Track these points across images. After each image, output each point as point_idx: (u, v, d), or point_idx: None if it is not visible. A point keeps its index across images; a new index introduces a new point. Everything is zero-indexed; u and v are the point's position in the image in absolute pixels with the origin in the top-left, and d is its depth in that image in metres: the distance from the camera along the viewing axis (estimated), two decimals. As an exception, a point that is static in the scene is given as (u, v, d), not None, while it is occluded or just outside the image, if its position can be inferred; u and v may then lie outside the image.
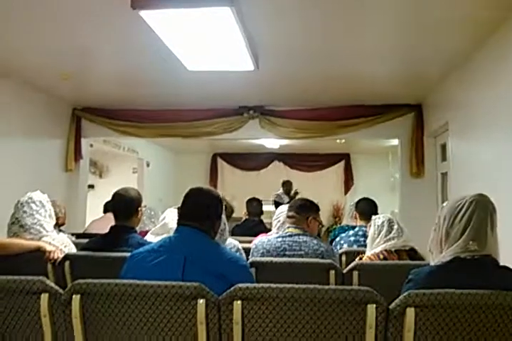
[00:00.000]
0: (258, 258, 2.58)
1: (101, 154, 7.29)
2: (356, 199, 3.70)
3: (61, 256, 2.57)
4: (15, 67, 4.02)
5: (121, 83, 4.53)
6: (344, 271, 2.47)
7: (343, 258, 2.95)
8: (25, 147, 4.60)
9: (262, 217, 4.97)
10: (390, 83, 4.36)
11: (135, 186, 7.12)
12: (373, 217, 2.72)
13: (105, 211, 4.49)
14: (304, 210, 2.80)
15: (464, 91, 3.68)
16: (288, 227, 2.76)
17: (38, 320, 1.62)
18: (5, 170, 4.25)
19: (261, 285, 1.58)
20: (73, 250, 2.76)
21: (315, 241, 2.66)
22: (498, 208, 1.69)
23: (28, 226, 2.63)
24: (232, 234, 3.93)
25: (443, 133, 4.53)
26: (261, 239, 2.83)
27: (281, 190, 8.18)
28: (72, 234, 3.59)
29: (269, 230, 3.63)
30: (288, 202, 3.82)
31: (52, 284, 1.66)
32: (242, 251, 2.73)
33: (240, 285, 1.59)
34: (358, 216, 3.49)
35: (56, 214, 2.92)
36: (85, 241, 2.83)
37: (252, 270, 2.38)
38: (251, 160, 9.88)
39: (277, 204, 6.63)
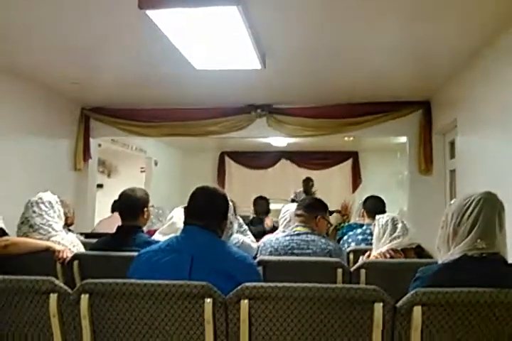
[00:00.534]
0: (266, 257, 2.59)
1: (109, 153, 7.32)
2: (364, 198, 3.69)
3: (70, 255, 2.59)
4: (24, 66, 4.06)
5: (129, 83, 4.55)
6: (351, 270, 2.46)
7: (351, 256, 2.94)
8: (34, 146, 4.64)
9: (269, 216, 4.98)
10: (398, 80, 4.34)
11: (143, 185, 7.16)
12: (377, 217, 2.71)
13: (113, 210, 4.51)
14: (313, 209, 2.80)
15: (473, 88, 3.65)
16: (296, 226, 2.76)
17: (47, 320, 1.63)
18: (14, 168, 4.29)
19: (268, 284, 1.59)
20: (82, 250, 2.78)
21: (323, 240, 2.66)
22: (507, 206, 1.68)
23: (38, 226, 2.66)
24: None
25: (451, 131, 4.50)
26: (269, 238, 2.84)
27: (301, 189, 7.97)
28: (81, 234, 3.61)
29: (276, 229, 3.63)
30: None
31: (61, 284, 1.67)
32: (252, 245, 2.73)
33: (247, 284, 1.59)
34: (365, 214, 3.48)
35: (65, 213, 2.95)
36: (94, 240, 2.84)
37: (260, 268, 2.38)
38: (258, 159, 9.86)
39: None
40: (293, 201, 7.11)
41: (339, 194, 9.61)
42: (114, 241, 2.62)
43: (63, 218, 2.85)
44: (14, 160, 4.30)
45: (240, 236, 2.72)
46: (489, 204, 1.63)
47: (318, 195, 7.25)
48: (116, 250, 2.52)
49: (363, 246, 3.11)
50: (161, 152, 8.48)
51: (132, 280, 1.65)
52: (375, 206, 3.42)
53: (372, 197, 3.59)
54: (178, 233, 1.97)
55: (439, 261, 1.70)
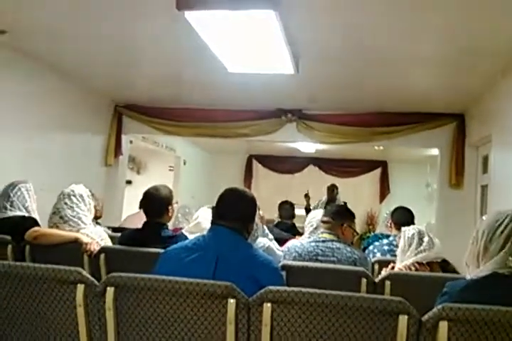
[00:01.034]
0: (290, 262, 2.58)
1: (140, 151, 7.42)
2: (392, 208, 3.64)
3: (97, 248, 2.64)
4: (69, 65, 4.20)
5: (163, 82, 4.61)
6: (376, 280, 2.43)
7: (376, 267, 2.90)
8: (67, 141, 4.75)
9: (294, 221, 4.96)
10: (433, 91, 4.28)
11: (171, 183, 7.23)
12: (403, 229, 2.65)
13: (141, 207, 4.56)
14: (340, 216, 2.78)
15: (510, 102, 3.57)
16: (322, 232, 2.75)
17: (74, 309, 1.66)
18: (48, 162, 4.40)
19: (292, 288, 1.58)
20: (109, 243, 2.83)
21: (348, 249, 2.63)
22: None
23: (68, 217, 2.72)
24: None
25: (486, 145, 4.40)
26: (294, 243, 2.83)
27: (325, 197, 6.90)
28: (108, 228, 3.68)
29: (302, 234, 3.62)
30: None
31: (88, 275, 1.70)
32: (275, 249, 2.73)
33: (271, 287, 1.58)
34: (393, 225, 3.42)
35: (94, 207, 3.01)
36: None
37: (283, 273, 2.37)
38: (286, 163, 9.84)
39: None
40: (313, 209, 6.79)
41: (366, 203, 9.51)
42: (139, 236, 2.66)
43: (93, 211, 2.91)
44: (47, 154, 4.42)
45: (266, 240, 2.72)
46: (522, 222, 1.59)
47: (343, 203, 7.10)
48: (142, 244, 2.57)
49: (388, 257, 3.07)
50: (190, 152, 8.56)
51: (157, 276, 1.66)
52: (403, 218, 3.35)
53: (401, 208, 3.53)
54: (205, 232, 1.99)
55: (467, 277, 1.67)
